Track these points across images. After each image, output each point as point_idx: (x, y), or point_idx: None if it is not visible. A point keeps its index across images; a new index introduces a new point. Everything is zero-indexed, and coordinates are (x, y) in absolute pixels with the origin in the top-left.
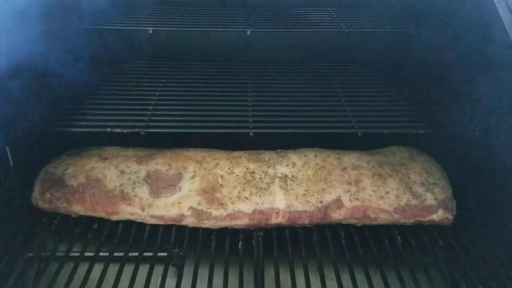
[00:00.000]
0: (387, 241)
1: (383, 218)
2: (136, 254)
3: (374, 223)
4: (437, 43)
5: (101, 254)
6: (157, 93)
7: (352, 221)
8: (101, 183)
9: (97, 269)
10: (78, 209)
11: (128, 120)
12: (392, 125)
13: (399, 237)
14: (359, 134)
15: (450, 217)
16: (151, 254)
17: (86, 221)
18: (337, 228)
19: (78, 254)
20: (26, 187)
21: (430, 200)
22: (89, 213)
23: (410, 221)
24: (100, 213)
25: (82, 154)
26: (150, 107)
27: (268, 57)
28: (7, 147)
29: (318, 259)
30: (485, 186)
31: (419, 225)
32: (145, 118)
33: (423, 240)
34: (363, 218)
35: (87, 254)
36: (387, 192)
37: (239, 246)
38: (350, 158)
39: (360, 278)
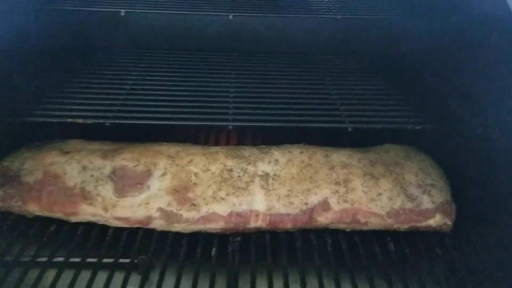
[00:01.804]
0: (378, 249)
1: (375, 223)
2: (95, 260)
3: (364, 228)
4: (435, 33)
5: (55, 259)
6: (130, 82)
7: (340, 226)
8: (60, 179)
9: (50, 275)
10: (33, 208)
11: (95, 110)
12: (385, 120)
13: (392, 244)
14: (349, 129)
15: (449, 222)
16: (111, 260)
17: (43, 223)
18: (323, 233)
19: (29, 259)
20: None
21: (427, 203)
22: (46, 213)
23: (404, 226)
24: (57, 213)
25: (43, 148)
26: (121, 97)
27: (252, 44)
28: None
29: (301, 268)
30: (488, 189)
31: (415, 231)
32: (114, 108)
33: (418, 248)
34: (352, 223)
35: (39, 259)
36: (380, 194)
37: (212, 252)
38: (339, 156)
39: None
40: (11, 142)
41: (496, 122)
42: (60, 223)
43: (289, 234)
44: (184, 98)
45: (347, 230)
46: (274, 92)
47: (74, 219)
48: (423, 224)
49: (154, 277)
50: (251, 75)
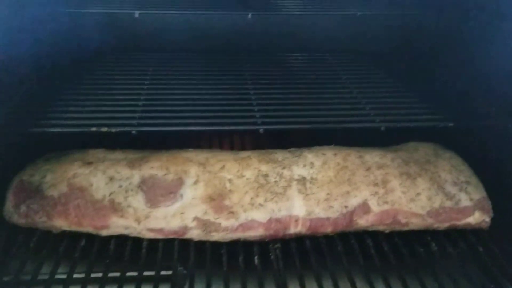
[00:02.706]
0: (421, 249)
1: (415, 223)
2: (135, 273)
3: (404, 228)
4: (454, 28)
5: (93, 275)
6: (145, 87)
7: (380, 228)
8: (86, 192)
9: None
10: (60, 223)
11: (116, 118)
12: (415, 118)
13: (433, 244)
14: (382, 128)
15: (487, 219)
16: (152, 273)
17: (71, 238)
18: (363, 236)
19: (65, 276)
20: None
21: (465, 201)
22: (74, 228)
23: (444, 225)
24: (87, 227)
25: (62, 159)
26: (139, 103)
27: (270, 44)
28: None
29: (348, 272)
30: None
31: (453, 229)
32: (135, 115)
33: (460, 246)
34: (392, 224)
35: (76, 276)
36: (418, 194)
37: (255, 261)
38: (372, 156)
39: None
40: (25, 155)
41: None
42: (90, 237)
43: (328, 238)
44: (206, 102)
45: (386, 231)
46: (296, 92)
47: (105, 232)
48: (462, 222)
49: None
50: (269, 75)
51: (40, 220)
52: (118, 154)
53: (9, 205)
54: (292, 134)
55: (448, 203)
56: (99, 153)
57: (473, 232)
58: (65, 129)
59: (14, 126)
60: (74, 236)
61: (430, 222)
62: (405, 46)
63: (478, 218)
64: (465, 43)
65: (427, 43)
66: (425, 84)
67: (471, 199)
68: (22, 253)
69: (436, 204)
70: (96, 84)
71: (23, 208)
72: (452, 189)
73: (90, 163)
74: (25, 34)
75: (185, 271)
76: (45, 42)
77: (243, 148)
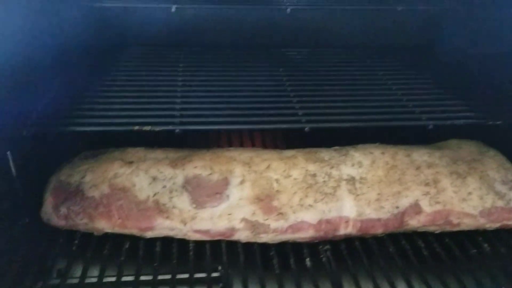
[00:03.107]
0: (474, 250)
1: (467, 224)
2: (186, 275)
3: (455, 229)
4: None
5: (142, 278)
6: (179, 83)
7: (431, 228)
8: (129, 193)
9: None
10: (103, 225)
11: (155, 116)
12: (461, 116)
13: (485, 244)
14: (430, 127)
15: None
16: (204, 275)
17: (114, 240)
18: (412, 236)
19: (114, 279)
20: (33, 201)
21: None
22: (117, 230)
23: (496, 225)
24: (131, 229)
25: (100, 158)
26: (177, 100)
27: (304, 39)
28: (8, 153)
29: (402, 272)
30: None
31: (502, 229)
32: (175, 113)
33: None
34: (444, 224)
35: (124, 279)
36: (470, 193)
37: (307, 262)
38: (420, 155)
39: None
40: (58, 154)
41: None
42: (134, 239)
43: (378, 239)
44: (244, 100)
45: (436, 232)
46: (333, 89)
47: (149, 234)
48: None
49: None
50: (304, 71)
51: (82, 222)
52: (158, 153)
53: (48, 206)
54: (331, 132)
55: (500, 203)
56: (138, 152)
57: None
58: (109, 128)
59: (56, 125)
60: (117, 238)
61: (482, 222)
62: (438, 41)
63: None
64: (502, 35)
65: (461, 38)
66: (460, 80)
67: None
68: (65, 256)
69: (488, 204)
70: (127, 80)
71: (63, 209)
72: (502, 188)
73: (131, 163)
74: (55, 32)
75: (236, 274)
76: (76, 40)
77: (274, 145)
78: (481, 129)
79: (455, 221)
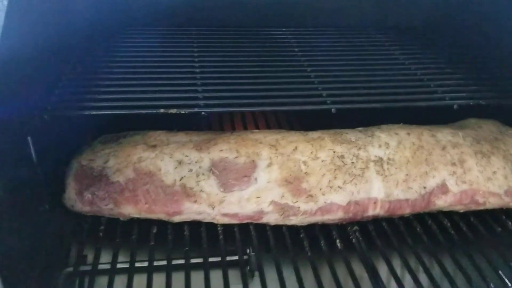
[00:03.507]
0: (499, 228)
1: (493, 203)
2: (218, 259)
3: (480, 208)
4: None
5: (174, 262)
6: (196, 64)
7: (457, 208)
8: (155, 177)
9: (178, 278)
10: (129, 210)
11: (178, 98)
12: (485, 95)
13: (510, 223)
14: (455, 107)
15: None
16: (235, 257)
17: (141, 225)
18: (438, 216)
19: (146, 264)
20: (55, 187)
21: None
22: (144, 215)
23: None
24: (158, 214)
25: (122, 142)
26: (197, 82)
27: (317, 19)
28: (29, 137)
29: (431, 251)
30: None
31: None
32: (198, 95)
33: None
34: (470, 204)
35: (156, 263)
36: (494, 172)
37: (337, 244)
38: (444, 135)
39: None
40: (74, 138)
41: None
42: (161, 224)
43: (404, 220)
44: (265, 80)
45: (461, 211)
46: (353, 69)
47: (177, 219)
48: None
49: (290, 272)
50: (320, 51)
51: (107, 208)
52: (181, 136)
53: (71, 192)
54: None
55: None
56: (160, 135)
57: None
58: (131, 111)
59: (71, 108)
60: (143, 223)
61: (507, 201)
62: (448, 20)
63: None
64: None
65: (471, 17)
66: (475, 60)
67: None
68: (92, 242)
69: None
70: (142, 61)
71: (87, 195)
72: None
73: (154, 146)
74: (69, 9)
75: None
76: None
77: (291, 127)
78: (493, 109)
79: (481, 200)
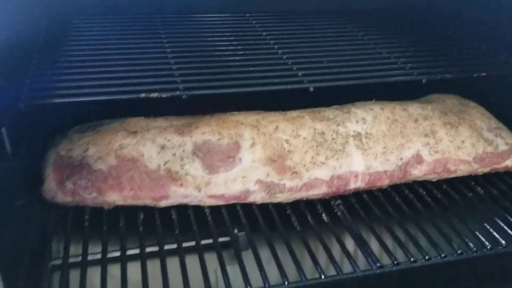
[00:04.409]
0: (470, 194)
1: (463, 170)
2: (210, 241)
3: (452, 175)
4: None
5: (166, 247)
6: (167, 50)
7: (431, 177)
8: (139, 163)
9: (173, 262)
10: (114, 198)
11: (156, 83)
12: (449, 70)
13: (478, 188)
14: (423, 81)
15: None
16: (227, 238)
17: (127, 212)
18: (413, 186)
19: (137, 251)
20: (32, 180)
21: (502, 145)
22: (130, 201)
23: (486, 169)
24: (144, 199)
25: (100, 130)
26: (173, 66)
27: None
28: (3, 129)
29: (413, 219)
30: None
31: (490, 173)
32: (176, 79)
33: (502, 189)
34: (442, 172)
35: (149, 250)
36: (463, 141)
37: (324, 218)
38: (415, 108)
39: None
40: (47, 128)
41: None
42: (147, 210)
43: (383, 191)
44: (240, 63)
45: (434, 180)
46: (323, 51)
47: (163, 203)
48: (502, 165)
49: (283, 249)
50: (286, 34)
51: (90, 197)
52: (161, 122)
53: (51, 183)
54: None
55: (489, 148)
56: (140, 121)
57: (508, 174)
58: (110, 97)
59: (47, 97)
60: (129, 211)
61: (475, 168)
62: (409, 1)
63: None
64: None
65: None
66: (432, 39)
67: (506, 143)
68: (78, 233)
69: (480, 150)
70: (112, 49)
71: (69, 185)
72: (489, 135)
73: (135, 133)
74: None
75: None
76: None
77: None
78: (448, 85)
79: (452, 168)
